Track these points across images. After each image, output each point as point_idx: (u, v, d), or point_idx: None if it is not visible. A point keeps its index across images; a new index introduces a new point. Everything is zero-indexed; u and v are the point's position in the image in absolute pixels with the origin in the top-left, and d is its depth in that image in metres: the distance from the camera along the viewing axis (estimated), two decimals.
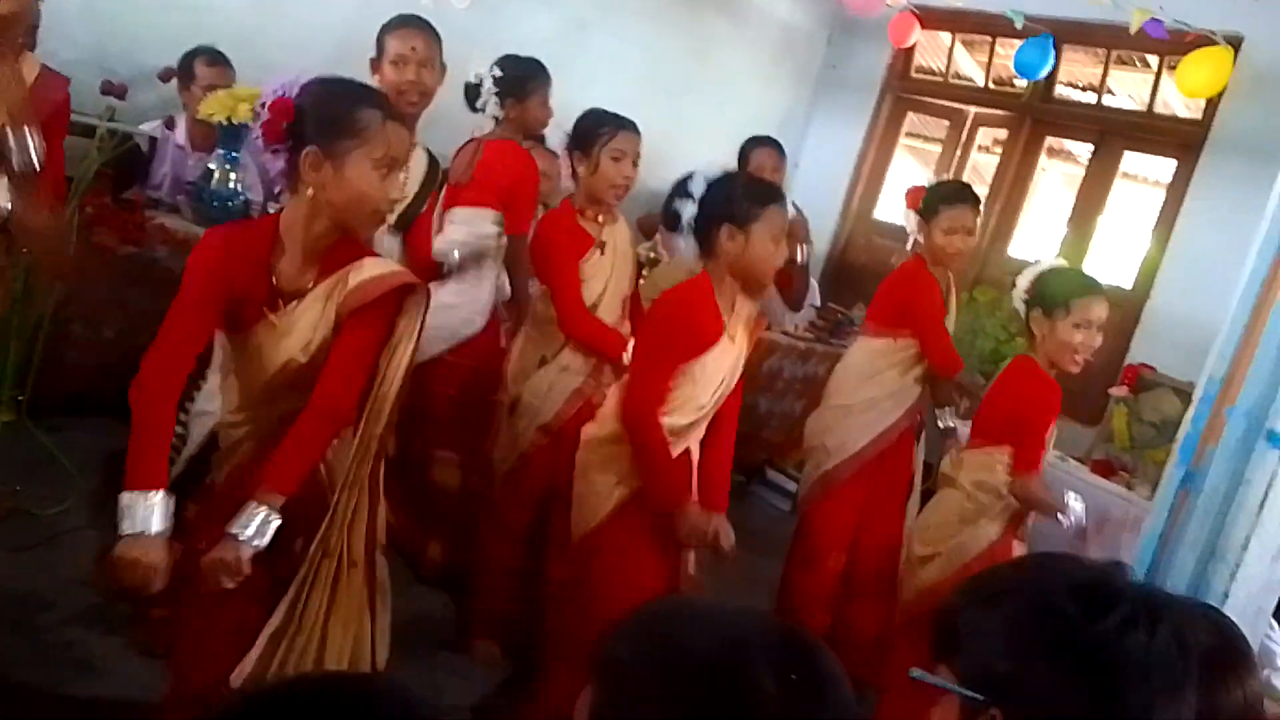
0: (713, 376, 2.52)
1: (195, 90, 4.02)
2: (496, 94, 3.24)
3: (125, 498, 1.82)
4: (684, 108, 5.87)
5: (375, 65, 3.02)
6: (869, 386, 3.40)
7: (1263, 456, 1.85)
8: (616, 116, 3.15)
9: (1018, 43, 5.34)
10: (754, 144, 4.16)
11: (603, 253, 3.03)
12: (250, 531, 1.86)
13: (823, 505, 3.44)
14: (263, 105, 1.88)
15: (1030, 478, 2.82)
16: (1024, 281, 2.97)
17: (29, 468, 3.13)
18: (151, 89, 4.26)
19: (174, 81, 4.08)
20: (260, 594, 1.99)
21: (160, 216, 3.58)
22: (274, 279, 1.95)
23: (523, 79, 3.30)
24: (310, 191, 1.88)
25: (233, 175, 3.65)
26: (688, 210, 2.48)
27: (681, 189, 2.51)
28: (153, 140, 3.94)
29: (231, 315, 1.95)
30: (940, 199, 3.37)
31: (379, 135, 1.88)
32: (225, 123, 3.52)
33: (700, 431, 2.59)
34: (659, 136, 5.58)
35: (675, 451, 2.51)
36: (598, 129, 3.10)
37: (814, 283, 5.66)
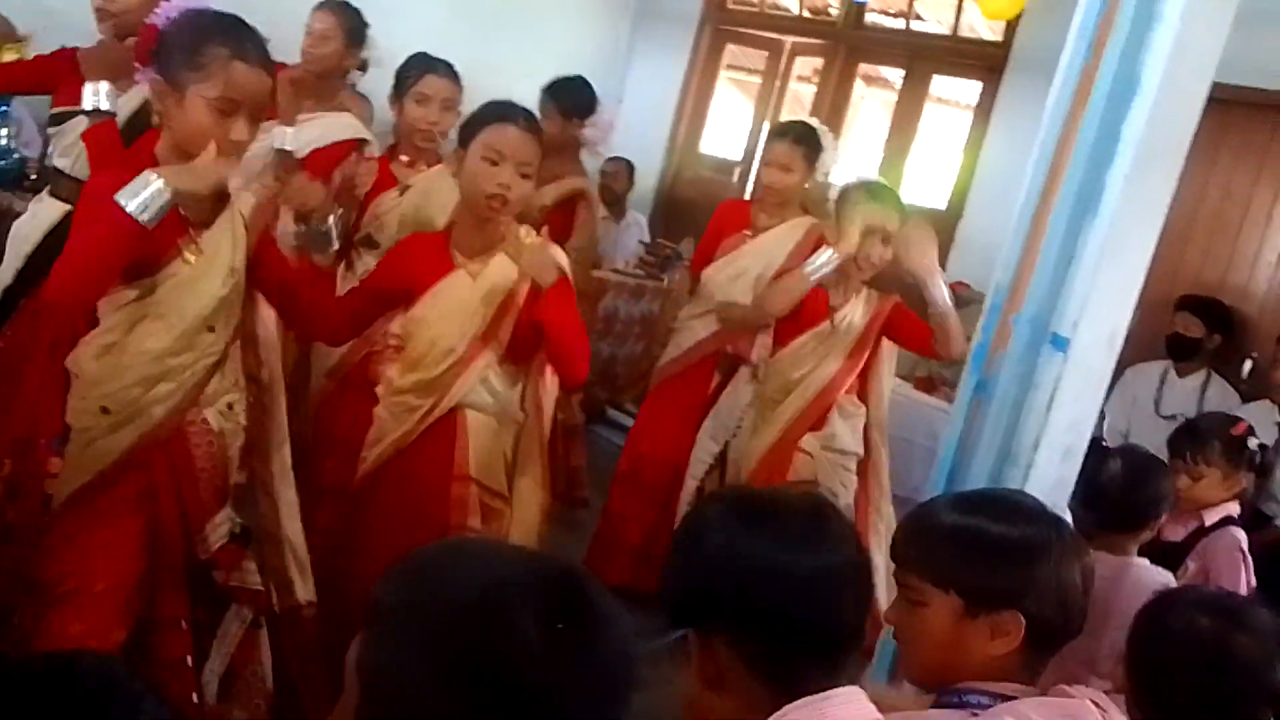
0: (447, 316, 2.28)
1: None
2: None
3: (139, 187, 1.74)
4: (495, 44, 5.67)
5: None
6: (685, 309, 3.57)
7: (1048, 360, 1.91)
8: (428, 59, 3.04)
9: None
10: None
11: (401, 195, 2.91)
12: None
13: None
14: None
15: None
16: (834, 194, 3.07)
17: None
18: None
19: None
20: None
21: None
22: (180, 210, 1.87)
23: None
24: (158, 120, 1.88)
25: (3, 131, 3.37)
26: None
27: None
28: None
29: (137, 262, 1.84)
30: (767, 135, 3.44)
31: (219, 74, 1.81)
32: None
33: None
34: (469, 74, 5.40)
35: (427, 412, 2.29)
36: (406, 72, 3.01)
37: (640, 218, 5.66)
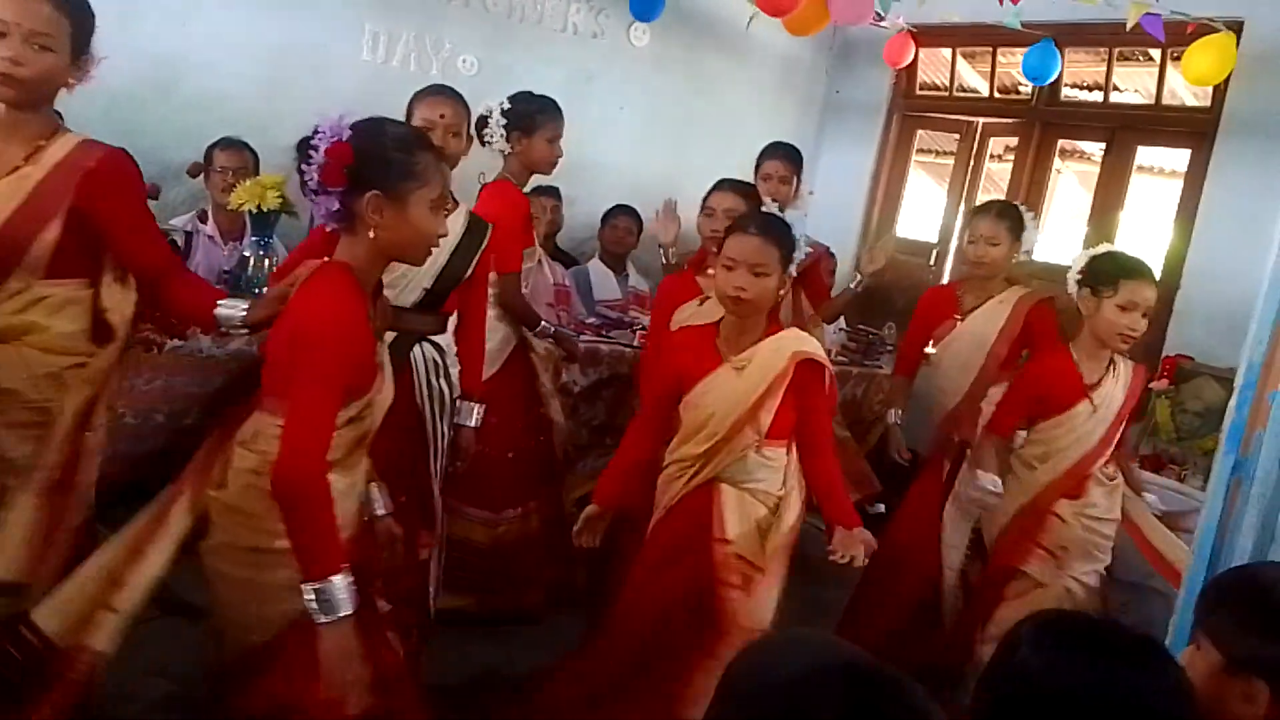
0: None
1: (215, 179, 4.15)
2: (504, 127, 3.34)
3: None
4: (690, 147, 6.02)
5: None
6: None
7: None
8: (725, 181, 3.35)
9: (1020, 50, 5.39)
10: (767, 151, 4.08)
11: (700, 305, 3.09)
12: None
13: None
14: (314, 148, 1.90)
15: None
16: (1079, 263, 3.11)
17: None
18: (179, 185, 4.39)
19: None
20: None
21: None
22: (371, 321, 1.98)
23: (531, 113, 3.36)
24: (371, 233, 1.92)
25: (267, 261, 3.70)
26: None
27: None
28: (187, 234, 4.04)
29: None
30: (970, 213, 3.51)
31: (435, 176, 1.97)
32: (255, 210, 3.58)
33: None
34: (667, 175, 5.63)
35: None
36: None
37: None
